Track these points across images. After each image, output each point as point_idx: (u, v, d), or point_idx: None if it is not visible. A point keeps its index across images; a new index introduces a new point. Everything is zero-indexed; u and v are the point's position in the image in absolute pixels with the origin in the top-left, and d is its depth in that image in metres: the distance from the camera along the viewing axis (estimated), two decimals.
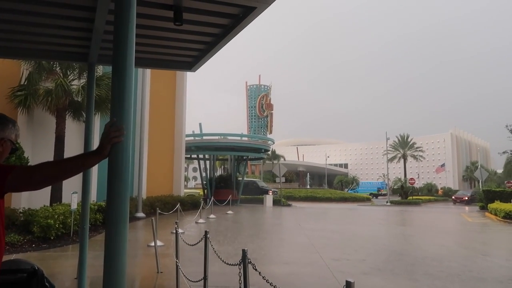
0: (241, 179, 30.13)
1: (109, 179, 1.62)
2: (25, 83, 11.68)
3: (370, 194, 50.74)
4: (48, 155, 11.43)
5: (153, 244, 7.33)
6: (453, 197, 43.80)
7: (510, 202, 21.73)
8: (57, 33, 3.61)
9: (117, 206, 1.60)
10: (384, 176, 51.15)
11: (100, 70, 12.52)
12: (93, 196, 13.28)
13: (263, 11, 3.12)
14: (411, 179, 43.04)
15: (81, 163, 1.78)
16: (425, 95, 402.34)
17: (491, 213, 21.61)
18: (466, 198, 41.00)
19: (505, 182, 39.83)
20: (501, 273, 7.37)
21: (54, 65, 11.79)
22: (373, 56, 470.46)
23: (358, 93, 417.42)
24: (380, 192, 56.19)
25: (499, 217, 19.71)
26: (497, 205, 21.47)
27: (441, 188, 62.05)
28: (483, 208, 25.81)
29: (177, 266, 5.54)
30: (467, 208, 32.27)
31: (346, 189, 59.22)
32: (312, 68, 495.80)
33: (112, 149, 1.64)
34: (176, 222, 6.34)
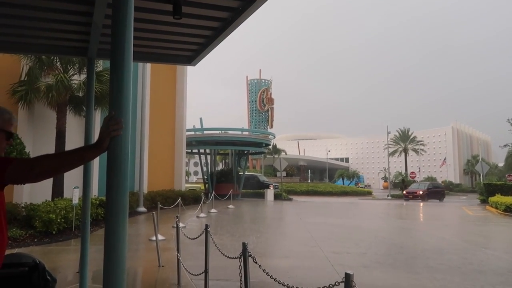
0: (242, 173, 30.15)
1: (108, 172, 1.63)
2: (26, 79, 11.67)
3: None
4: (49, 150, 11.40)
5: (154, 238, 7.37)
6: (404, 192, 34.89)
7: (511, 195, 21.74)
8: (56, 27, 3.60)
9: (116, 199, 1.61)
10: (385, 170, 51.26)
11: (100, 65, 12.51)
12: (94, 191, 13.32)
13: (262, 4, 3.11)
14: (412, 173, 43.09)
15: (80, 156, 1.78)
16: (423, 83, 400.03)
17: (492, 206, 21.63)
18: (421, 192, 32.70)
19: (506, 175, 39.74)
20: (501, 266, 7.39)
21: (54, 60, 11.76)
22: (368, 46, 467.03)
23: (355, 84, 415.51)
24: (357, 186, 60.94)
25: (499, 210, 19.73)
26: (498, 198, 21.49)
27: (442, 182, 62.08)
28: (484, 201, 25.84)
29: (178, 259, 5.58)
30: (421, 204, 27.60)
31: (328, 180, 60.96)
32: (305, 59, 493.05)
33: (111, 142, 1.64)
34: (177, 216, 6.36)
